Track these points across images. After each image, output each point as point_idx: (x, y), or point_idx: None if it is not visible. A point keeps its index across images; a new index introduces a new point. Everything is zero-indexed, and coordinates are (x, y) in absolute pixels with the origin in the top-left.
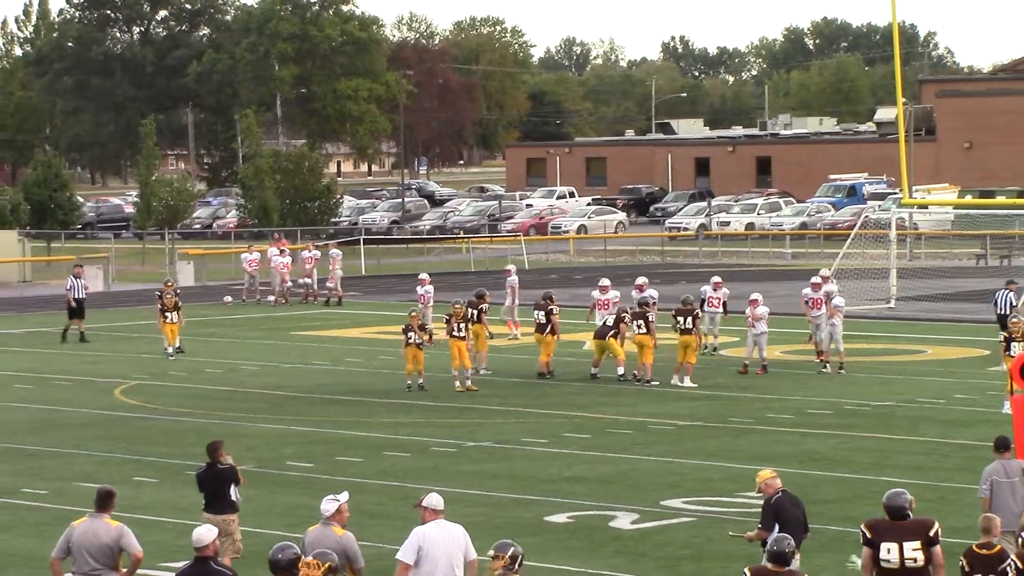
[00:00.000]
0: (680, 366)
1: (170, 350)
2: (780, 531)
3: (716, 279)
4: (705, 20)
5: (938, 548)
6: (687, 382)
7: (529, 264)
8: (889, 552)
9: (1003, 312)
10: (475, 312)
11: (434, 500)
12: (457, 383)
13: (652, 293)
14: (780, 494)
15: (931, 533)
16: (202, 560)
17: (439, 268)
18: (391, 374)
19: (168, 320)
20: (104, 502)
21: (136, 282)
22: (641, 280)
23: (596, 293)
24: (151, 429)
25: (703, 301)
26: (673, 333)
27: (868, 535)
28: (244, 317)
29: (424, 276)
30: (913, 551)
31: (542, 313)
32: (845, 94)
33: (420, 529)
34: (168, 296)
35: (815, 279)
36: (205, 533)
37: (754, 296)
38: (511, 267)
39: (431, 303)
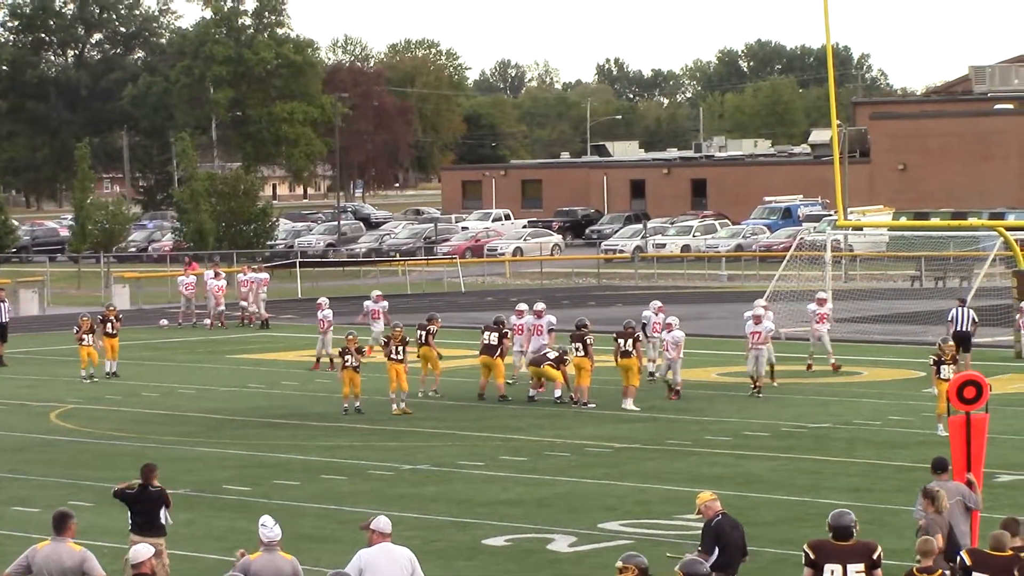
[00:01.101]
0: (627, 389)
1: (83, 373)
2: (720, 554)
3: (657, 303)
4: (640, 43)
5: (879, 572)
6: (629, 404)
7: (465, 286)
8: (832, 574)
9: (962, 329)
10: (423, 334)
11: (382, 523)
12: (394, 406)
13: (551, 319)
14: (720, 516)
15: (874, 556)
16: None
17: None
18: (327, 397)
19: (84, 343)
20: (60, 524)
21: (72, 305)
22: (540, 306)
23: (514, 318)
24: (87, 453)
25: (644, 326)
26: (611, 356)
27: (811, 556)
28: (180, 340)
29: (322, 300)
30: (856, 573)
31: (494, 335)
32: (780, 116)
33: (363, 552)
34: (85, 319)
35: (756, 311)
36: (142, 550)
37: (669, 320)
38: (377, 292)
39: (331, 329)
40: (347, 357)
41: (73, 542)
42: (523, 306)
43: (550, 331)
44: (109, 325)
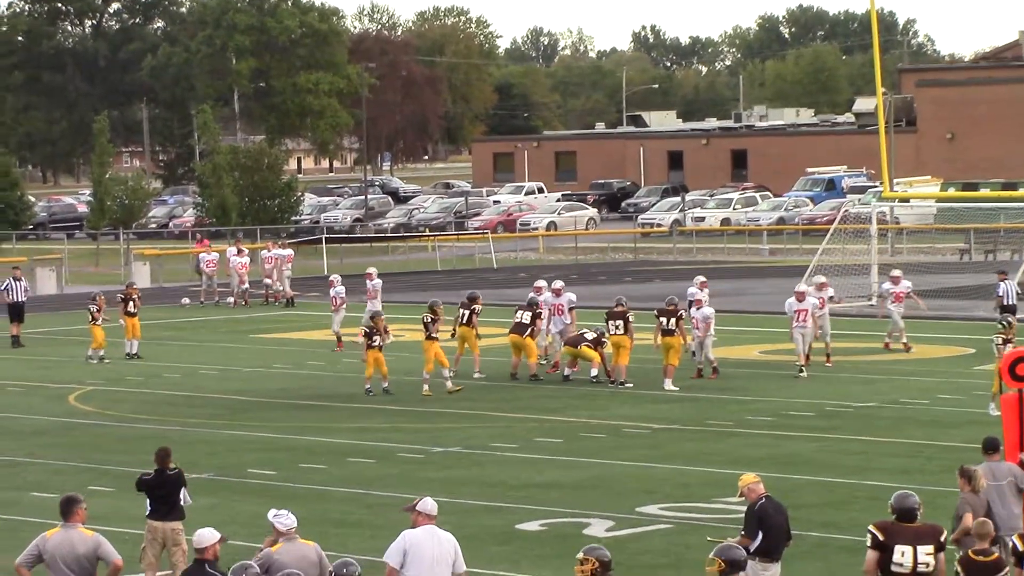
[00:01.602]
0: (667, 368)
1: (89, 352)
2: (763, 538)
3: (701, 278)
4: (677, 9)
5: (943, 555)
6: (669, 385)
7: (497, 263)
8: (903, 556)
9: (1010, 303)
10: (466, 313)
11: (428, 505)
12: (426, 386)
13: (570, 297)
14: (764, 500)
15: (941, 539)
16: (200, 563)
17: (404, 267)
18: (355, 378)
19: (96, 322)
20: (68, 510)
21: (90, 284)
22: (559, 283)
23: (549, 296)
24: (107, 436)
25: (691, 303)
26: (652, 334)
27: (880, 537)
28: (203, 319)
29: (334, 278)
30: (927, 555)
31: (527, 314)
32: (822, 84)
33: (408, 533)
34: (101, 297)
35: (800, 287)
36: (207, 535)
37: (699, 295)
38: (372, 270)
39: (343, 307)
40: (375, 337)
41: (84, 527)
42: (541, 282)
43: (571, 309)
44: (131, 304)
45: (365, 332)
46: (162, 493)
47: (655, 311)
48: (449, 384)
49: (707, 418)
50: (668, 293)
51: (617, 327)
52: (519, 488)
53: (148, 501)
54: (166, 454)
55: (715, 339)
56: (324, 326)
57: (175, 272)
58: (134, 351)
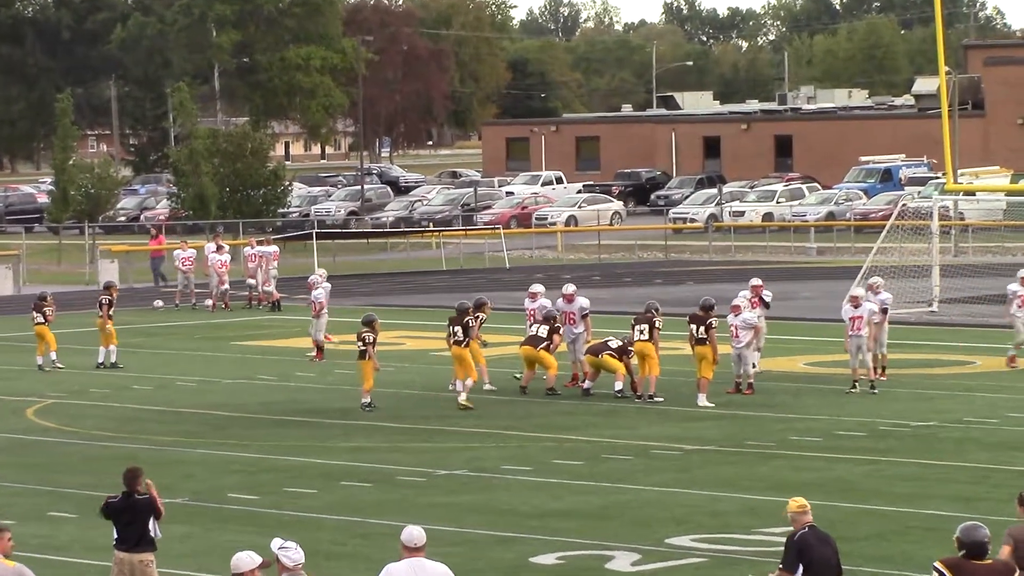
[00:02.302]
0: (699, 382)
1: (43, 359)
2: (804, 572)
3: (756, 281)
4: None
5: None
6: (702, 401)
7: (510, 262)
8: None
9: None
10: (458, 329)
11: (409, 535)
12: (463, 396)
13: (583, 303)
14: (806, 529)
15: None
16: None
17: (404, 267)
18: (349, 391)
19: (38, 321)
20: None
21: (51, 284)
22: (570, 288)
23: (527, 302)
24: (70, 456)
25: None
26: (684, 343)
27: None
28: (178, 324)
29: (313, 278)
30: None
31: (543, 328)
32: (878, 62)
33: (391, 567)
34: (50, 298)
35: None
36: (246, 559)
37: (736, 299)
38: (320, 273)
39: (324, 311)
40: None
41: (5, 558)
42: (538, 287)
43: (584, 316)
44: (109, 306)
45: (364, 340)
46: (128, 520)
47: (688, 317)
48: (463, 397)
49: (746, 438)
50: (701, 297)
51: (642, 332)
52: (533, 516)
53: (115, 529)
54: (135, 475)
55: (756, 349)
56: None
57: (146, 271)
58: (112, 360)
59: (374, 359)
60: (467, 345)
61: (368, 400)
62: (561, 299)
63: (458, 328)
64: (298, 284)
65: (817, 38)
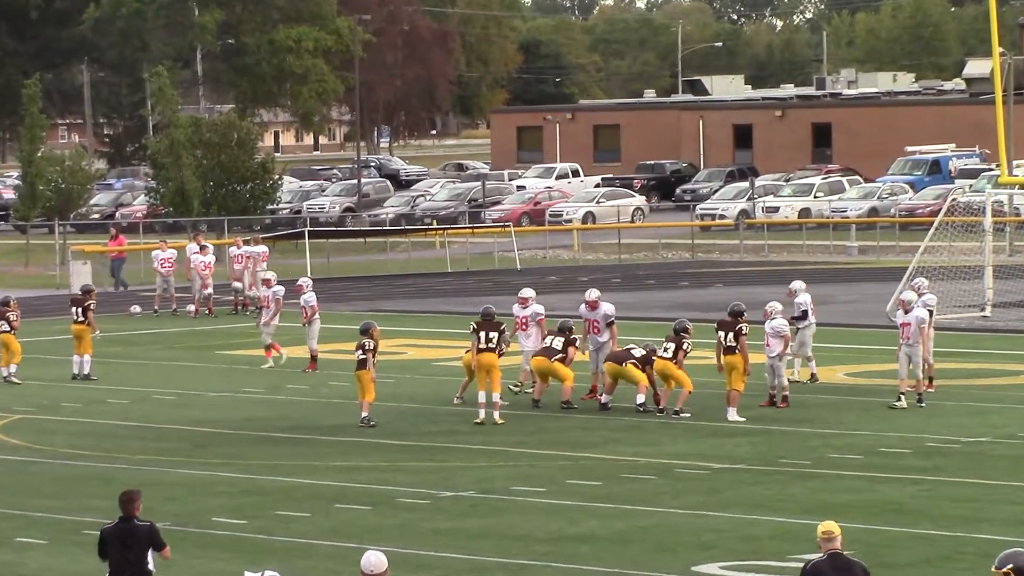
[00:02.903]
0: (729, 395)
1: (7, 370)
2: None
3: (798, 284)
4: None
5: None
6: (733, 415)
7: (521, 263)
8: None
9: None
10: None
11: (367, 562)
12: (482, 412)
13: (608, 310)
14: (824, 557)
15: None
16: None
17: (405, 269)
18: (344, 404)
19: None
20: None
21: (18, 288)
22: (594, 294)
23: (516, 308)
24: (38, 476)
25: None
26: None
27: None
28: (157, 332)
29: (303, 282)
30: None
31: (559, 340)
32: (926, 42)
33: None
34: (14, 302)
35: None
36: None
37: (768, 305)
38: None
39: (316, 317)
40: (369, 354)
41: None
42: (528, 292)
43: (610, 324)
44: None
45: (366, 350)
46: (125, 548)
47: (716, 323)
48: (496, 415)
49: (779, 456)
50: (732, 301)
51: (667, 350)
52: (547, 542)
53: (108, 562)
54: (132, 498)
55: (791, 358)
56: (305, 341)
57: (123, 274)
58: (85, 371)
59: (372, 369)
60: (501, 353)
61: (368, 415)
62: (584, 305)
63: (493, 334)
64: (290, 288)
65: (859, 16)
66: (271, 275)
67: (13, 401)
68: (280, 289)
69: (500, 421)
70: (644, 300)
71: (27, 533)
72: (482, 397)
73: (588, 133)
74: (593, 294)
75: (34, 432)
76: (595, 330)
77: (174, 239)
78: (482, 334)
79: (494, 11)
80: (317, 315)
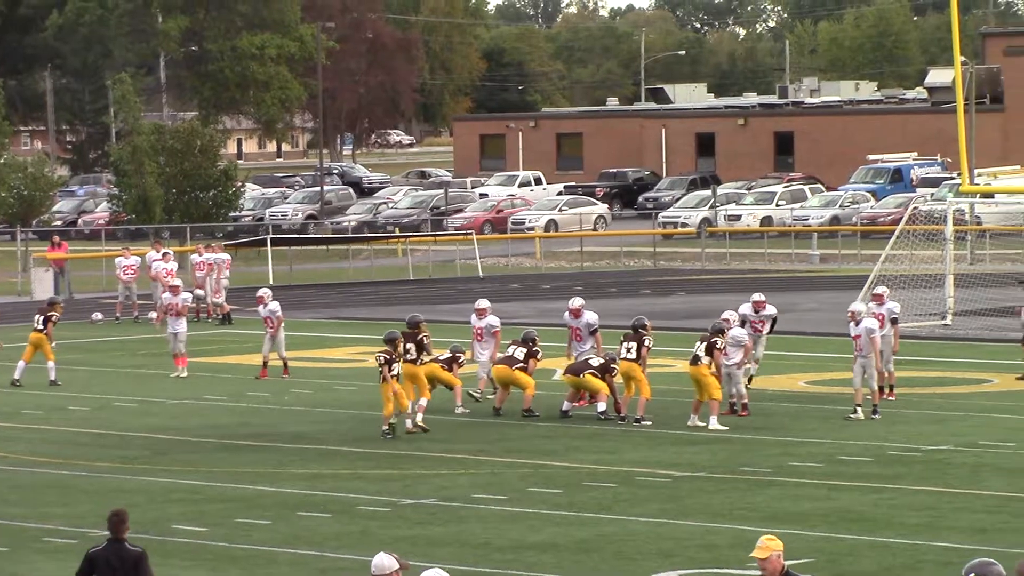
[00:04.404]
0: (708, 405)
1: None
2: None
3: (758, 297)
4: None
5: None
6: (714, 423)
7: (484, 270)
8: None
9: None
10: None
11: (377, 563)
12: (408, 422)
13: (590, 318)
14: None
15: None
16: None
17: (368, 276)
18: (305, 412)
19: None
20: None
21: None
22: (577, 302)
23: (473, 318)
24: (0, 483)
25: (743, 323)
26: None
27: None
28: (118, 340)
29: (264, 292)
30: None
31: (520, 351)
32: (888, 51)
33: None
34: None
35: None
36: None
37: (725, 314)
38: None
39: (281, 327)
40: (394, 365)
41: None
42: (484, 303)
43: (593, 332)
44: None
45: (384, 360)
46: (114, 570)
47: (701, 336)
48: (408, 423)
49: (740, 464)
50: (694, 308)
51: (629, 350)
52: (508, 550)
53: None
54: (122, 519)
55: (749, 368)
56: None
57: (84, 281)
58: (51, 377)
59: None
60: (421, 363)
61: (388, 425)
62: (567, 313)
63: (410, 345)
64: (251, 295)
65: (821, 25)
66: (265, 291)
67: None
68: (277, 305)
69: (412, 430)
70: (606, 308)
71: None
72: (410, 407)
73: (551, 141)
74: (576, 302)
75: None
76: (578, 338)
77: (137, 246)
78: (402, 346)
79: (457, 19)
80: (282, 325)
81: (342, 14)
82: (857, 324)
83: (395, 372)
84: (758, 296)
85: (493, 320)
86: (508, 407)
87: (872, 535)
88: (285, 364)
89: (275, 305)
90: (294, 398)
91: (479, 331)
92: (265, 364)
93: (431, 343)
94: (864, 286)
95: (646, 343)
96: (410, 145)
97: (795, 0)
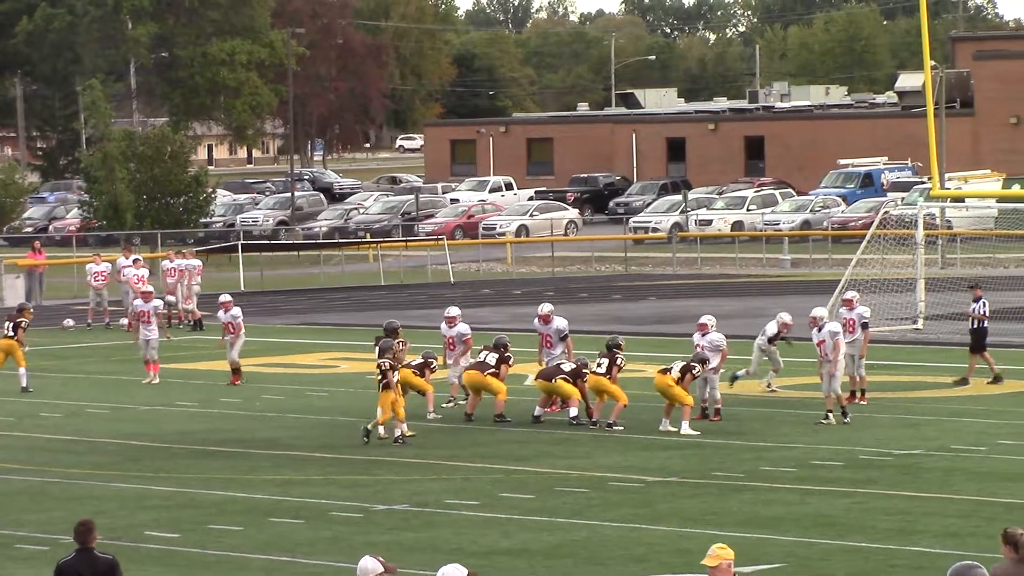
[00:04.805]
0: (670, 408)
1: None
2: None
3: (785, 317)
4: None
5: None
6: (686, 428)
7: (455, 276)
8: None
9: None
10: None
11: (361, 568)
12: (381, 428)
13: (560, 324)
14: None
15: None
16: None
17: (339, 282)
18: (277, 418)
19: None
20: None
21: None
22: (547, 308)
23: (443, 327)
24: None
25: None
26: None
27: None
28: (90, 346)
29: (225, 298)
30: None
31: (492, 356)
32: (858, 56)
33: None
34: None
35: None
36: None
37: (703, 319)
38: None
39: (242, 334)
40: (393, 375)
41: None
42: (454, 311)
43: (563, 338)
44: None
45: (388, 366)
46: None
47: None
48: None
49: (712, 469)
50: (665, 314)
51: (600, 365)
52: (480, 555)
53: None
54: (88, 528)
55: (723, 372)
56: (240, 354)
57: (56, 287)
58: (23, 384)
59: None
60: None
61: (400, 432)
62: (537, 319)
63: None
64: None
65: (791, 29)
66: (226, 297)
67: None
68: (238, 311)
69: (384, 435)
70: (577, 313)
71: None
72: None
73: (521, 146)
74: (546, 308)
75: None
76: (548, 344)
77: (108, 252)
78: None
79: (428, 25)
80: (243, 332)
81: (312, 20)
82: (820, 330)
83: (396, 379)
84: (851, 294)
85: (463, 328)
86: (480, 412)
87: (844, 539)
88: (236, 370)
89: (237, 311)
90: (266, 404)
91: (451, 340)
92: (236, 371)
93: (407, 349)
94: (836, 291)
95: (618, 362)
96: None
97: (765, 5)
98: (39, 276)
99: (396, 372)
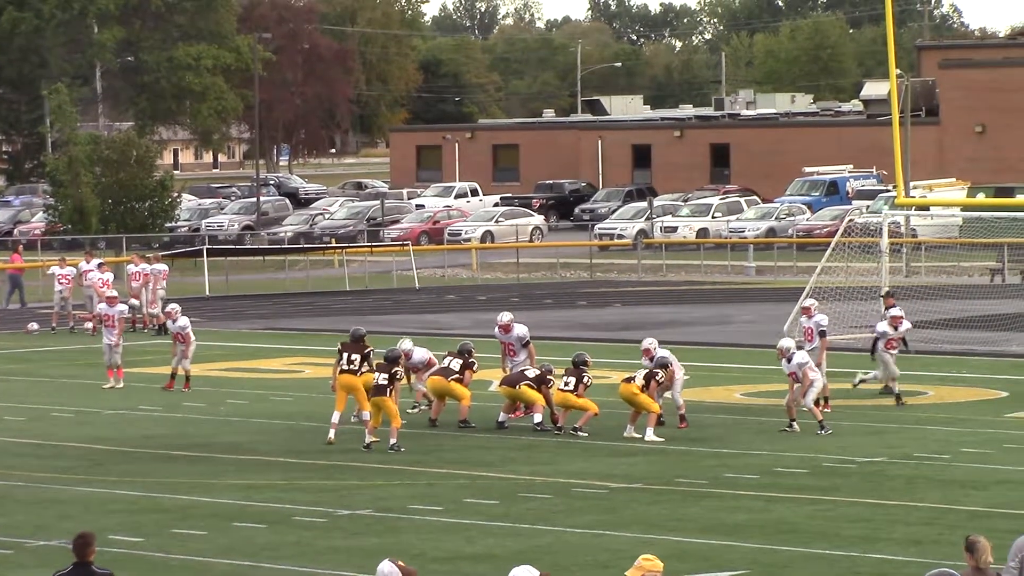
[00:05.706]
0: (635, 415)
1: None
2: None
3: (895, 312)
4: None
5: None
6: (650, 435)
7: (420, 281)
8: None
9: None
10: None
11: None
12: (332, 431)
13: (520, 332)
14: None
15: None
16: None
17: (304, 287)
18: (241, 423)
19: None
20: None
21: None
22: (506, 317)
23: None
24: None
25: (875, 342)
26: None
27: None
28: (54, 350)
29: (173, 308)
30: None
31: (456, 362)
32: (824, 64)
33: None
34: None
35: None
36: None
37: (646, 344)
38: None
39: (192, 340)
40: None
41: None
42: (506, 316)
43: (525, 344)
44: None
45: (391, 374)
46: None
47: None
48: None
49: (676, 476)
50: (630, 320)
51: (567, 384)
52: (444, 560)
53: None
54: (88, 542)
55: (687, 378)
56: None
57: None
58: None
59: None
60: (362, 375)
61: (395, 441)
62: (497, 329)
63: (355, 356)
64: (189, 305)
65: (757, 37)
66: (174, 307)
67: None
68: (185, 322)
69: (373, 438)
70: (542, 319)
71: None
72: (335, 418)
73: (487, 152)
74: (505, 317)
75: None
76: (511, 352)
77: (73, 256)
78: (345, 355)
79: (394, 30)
80: (193, 341)
81: (278, 25)
82: (789, 361)
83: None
84: (895, 311)
85: (521, 330)
86: (444, 418)
87: (808, 547)
88: (187, 377)
89: (184, 321)
90: (230, 408)
91: (510, 346)
92: (183, 376)
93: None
94: (800, 298)
95: (585, 380)
96: (336, 154)
97: (731, 13)
98: (19, 278)
99: (400, 380)
